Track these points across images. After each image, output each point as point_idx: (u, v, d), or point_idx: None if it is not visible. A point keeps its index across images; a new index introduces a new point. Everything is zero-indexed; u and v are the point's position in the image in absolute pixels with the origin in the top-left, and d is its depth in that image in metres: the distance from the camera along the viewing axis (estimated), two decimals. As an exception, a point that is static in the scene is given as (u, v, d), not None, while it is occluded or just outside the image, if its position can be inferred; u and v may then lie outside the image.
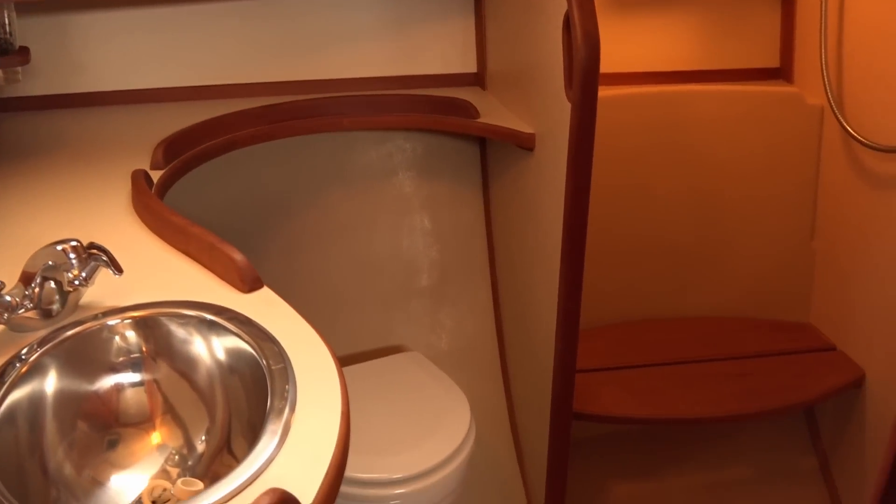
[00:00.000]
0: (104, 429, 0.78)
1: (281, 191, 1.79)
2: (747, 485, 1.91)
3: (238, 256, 0.92)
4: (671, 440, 2.00)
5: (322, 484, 0.62)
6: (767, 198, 1.89)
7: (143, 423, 0.80)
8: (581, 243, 1.40)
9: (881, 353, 1.67)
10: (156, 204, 1.07)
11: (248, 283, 0.91)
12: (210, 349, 0.82)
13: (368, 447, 1.39)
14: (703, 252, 1.93)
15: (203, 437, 0.79)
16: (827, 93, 1.71)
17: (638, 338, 1.88)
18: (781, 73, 1.93)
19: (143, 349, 0.83)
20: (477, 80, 1.82)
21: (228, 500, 0.60)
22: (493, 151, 1.79)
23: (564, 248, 1.40)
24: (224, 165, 1.70)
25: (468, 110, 1.62)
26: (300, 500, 0.60)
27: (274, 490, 0.57)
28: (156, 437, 0.80)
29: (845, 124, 1.66)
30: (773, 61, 1.93)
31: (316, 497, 0.61)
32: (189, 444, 0.79)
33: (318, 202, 1.81)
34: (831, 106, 1.70)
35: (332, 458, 0.65)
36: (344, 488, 1.35)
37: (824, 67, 1.71)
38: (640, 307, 1.96)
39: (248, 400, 0.78)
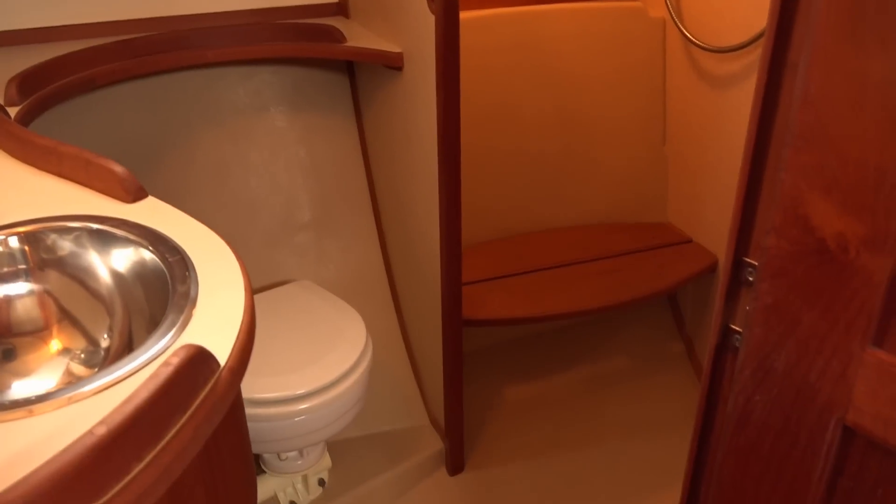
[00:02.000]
0: (-4, 339, 0.77)
1: (148, 134, 1.73)
2: (623, 374, 2.08)
3: (118, 168, 0.91)
4: (556, 343, 2.15)
5: (235, 344, 0.65)
6: (622, 109, 2.03)
7: (39, 331, 0.79)
8: (456, 153, 1.46)
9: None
10: (18, 129, 1.03)
11: (132, 193, 0.91)
12: (100, 254, 0.82)
13: (269, 369, 1.41)
14: (570, 166, 2.05)
15: (105, 336, 0.80)
16: (667, 5, 1.85)
17: (517, 249, 1.98)
18: (626, -10, 2.06)
19: (30, 262, 0.81)
20: (340, 9, 1.83)
21: (142, 369, 0.62)
22: (362, 77, 1.81)
23: (441, 158, 1.45)
24: (87, 109, 1.63)
25: (334, 35, 1.63)
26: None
27: (189, 346, 0.60)
28: (56, 344, 0.79)
29: (684, 31, 1.81)
30: (616, -20, 2.05)
31: (230, 355, 0.64)
32: (93, 346, 0.79)
33: (188, 143, 1.77)
34: (672, 16, 1.84)
35: (242, 322, 0.68)
36: (249, 410, 1.37)
37: (663, -19, 1.85)
38: (517, 222, 2.06)
39: (148, 295, 0.78)
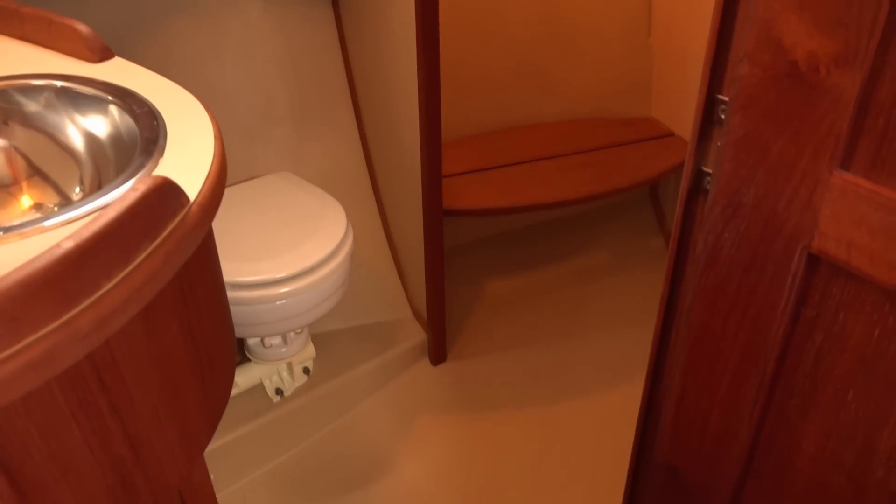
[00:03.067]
0: (-36, 194, 0.76)
1: (117, 26, 1.67)
2: (604, 268, 2.11)
3: (82, 27, 0.88)
4: (538, 239, 2.16)
5: (205, 182, 0.65)
6: (607, 1, 1.98)
7: (9, 186, 0.78)
8: (435, 36, 1.42)
9: (711, 130, 1.85)
10: (-24, -6, 0.99)
11: (98, 53, 0.88)
12: (67, 111, 0.80)
13: (250, 255, 1.41)
14: (553, 59, 2.02)
15: (77, 191, 0.79)
16: None
17: (498, 144, 1.97)
18: None
19: (-6, 118, 0.80)
20: None
21: (108, 205, 0.62)
22: (338, -36, 1.76)
23: (419, 41, 1.42)
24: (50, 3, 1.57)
25: (307, -86, 1.56)
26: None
27: (156, 177, 0.59)
28: (27, 200, 0.79)
29: (671, -87, 1.75)
30: None
31: (200, 191, 0.64)
32: (65, 200, 0.79)
33: (159, 36, 1.72)
34: None
35: (212, 165, 0.67)
36: (230, 293, 1.38)
37: None
38: (499, 117, 2.04)
39: (118, 148, 0.77)
